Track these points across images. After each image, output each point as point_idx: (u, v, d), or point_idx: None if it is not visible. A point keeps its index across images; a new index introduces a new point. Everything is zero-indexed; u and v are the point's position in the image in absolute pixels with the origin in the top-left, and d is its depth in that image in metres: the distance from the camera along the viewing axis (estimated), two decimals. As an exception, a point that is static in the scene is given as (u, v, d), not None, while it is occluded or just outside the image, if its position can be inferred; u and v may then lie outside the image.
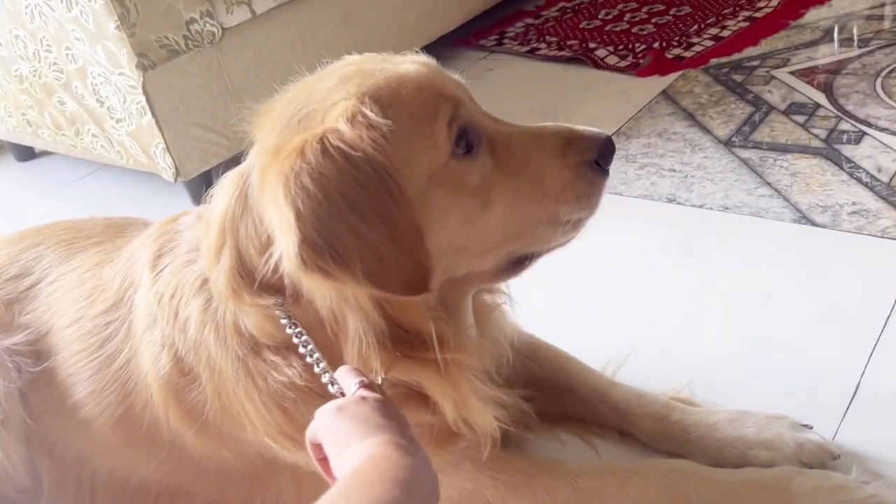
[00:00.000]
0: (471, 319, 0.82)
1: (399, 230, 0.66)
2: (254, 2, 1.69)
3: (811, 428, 0.90)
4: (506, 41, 2.38)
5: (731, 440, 0.89)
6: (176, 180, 1.71)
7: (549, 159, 0.74)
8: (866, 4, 2.09)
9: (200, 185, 1.77)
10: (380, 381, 0.71)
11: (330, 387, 0.69)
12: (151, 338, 0.85)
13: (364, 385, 0.66)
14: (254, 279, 0.75)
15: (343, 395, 0.67)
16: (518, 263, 0.79)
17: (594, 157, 0.75)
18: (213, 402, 0.83)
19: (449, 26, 2.29)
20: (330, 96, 0.71)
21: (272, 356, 0.78)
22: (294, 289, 0.73)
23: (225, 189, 0.79)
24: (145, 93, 1.58)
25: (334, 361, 0.73)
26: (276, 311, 0.75)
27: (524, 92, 2.05)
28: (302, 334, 0.73)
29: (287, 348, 0.77)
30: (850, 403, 0.97)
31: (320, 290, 0.70)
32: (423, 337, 0.73)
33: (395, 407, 0.64)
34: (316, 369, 0.72)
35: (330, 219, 0.64)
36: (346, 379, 0.68)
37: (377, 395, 0.64)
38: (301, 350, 0.73)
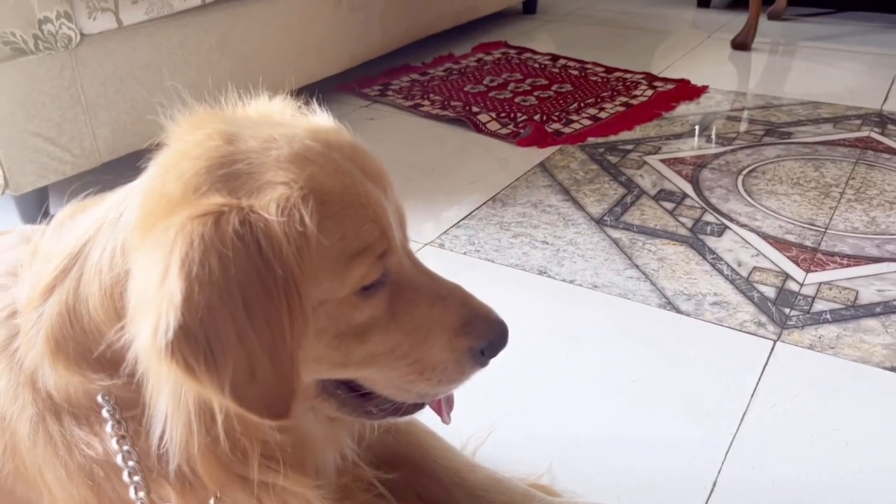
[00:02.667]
0: (319, 432, 0.72)
1: (282, 346, 0.57)
2: (121, 10, 1.55)
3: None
4: (390, 93, 2.34)
5: (591, 537, 0.84)
6: (3, 193, 1.51)
7: (440, 332, 0.67)
8: (730, 106, 2.23)
9: (34, 202, 1.58)
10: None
11: None
12: None
13: None
14: (86, 345, 0.62)
15: None
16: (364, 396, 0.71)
17: (482, 347, 0.69)
18: (5, 461, 0.68)
19: (333, 69, 2.23)
20: (272, 170, 0.59)
21: (75, 426, 0.64)
22: (132, 368, 0.60)
23: (86, 218, 0.66)
24: (-22, 91, 1.39)
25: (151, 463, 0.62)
26: (99, 397, 0.62)
27: (404, 146, 2.01)
28: (125, 441, 0.61)
29: (92, 414, 0.64)
30: (707, 502, 0.95)
31: (169, 385, 0.57)
32: (262, 452, 0.63)
33: None
34: (132, 495, 0.60)
35: (220, 313, 0.53)
36: None
37: None
38: (120, 462, 0.61)
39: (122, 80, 1.61)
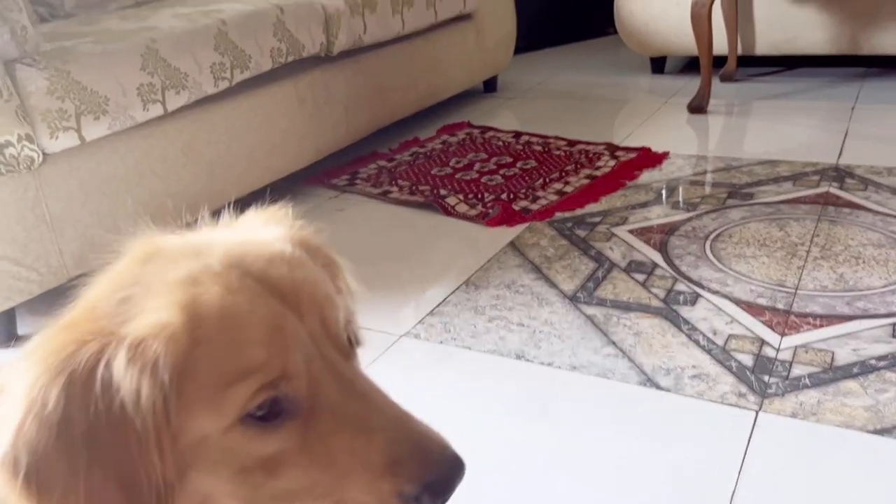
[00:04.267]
0: None
1: (138, 486, 0.53)
2: (83, 128, 1.56)
3: None
4: (358, 182, 2.36)
5: None
6: (-31, 318, 1.49)
7: (361, 471, 0.58)
8: (692, 171, 2.27)
9: (1, 324, 1.55)
10: None
11: None
12: None
13: None
14: None
15: None
16: None
17: (416, 493, 0.57)
18: None
19: (300, 164, 2.25)
20: (157, 295, 0.57)
21: None
22: None
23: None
24: (-60, 218, 1.38)
25: None
26: None
27: (375, 234, 2.02)
28: None
29: None
30: (704, 591, 0.92)
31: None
32: None
33: None
34: None
35: (51, 448, 0.51)
36: None
37: None
38: None
39: (87, 195, 1.62)
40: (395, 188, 2.28)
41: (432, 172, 2.39)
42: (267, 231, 0.67)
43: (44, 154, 1.51)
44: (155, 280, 0.58)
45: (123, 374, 0.53)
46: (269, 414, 0.56)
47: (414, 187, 2.28)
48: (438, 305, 1.63)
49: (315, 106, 2.26)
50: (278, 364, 0.56)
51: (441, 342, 1.49)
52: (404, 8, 2.56)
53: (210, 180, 1.91)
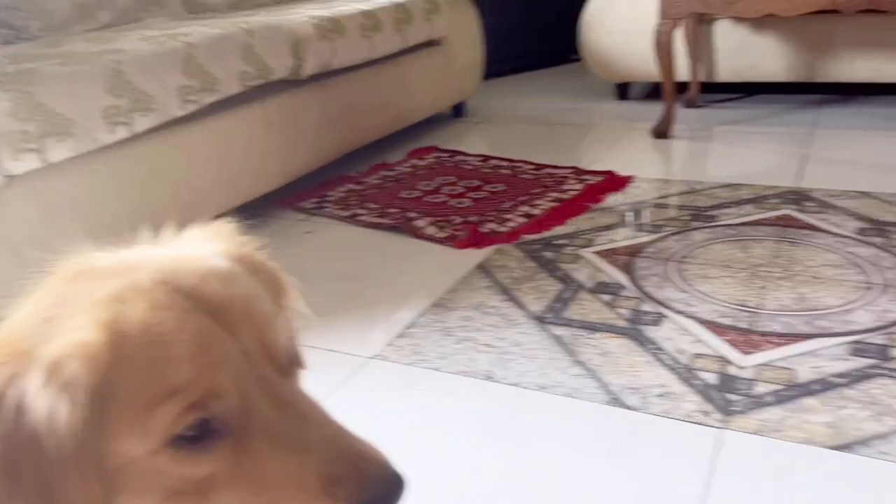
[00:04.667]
0: None
1: None
2: (47, 149, 1.55)
3: None
4: (327, 205, 2.36)
5: None
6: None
7: (296, 492, 0.55)
8: (656, 194, 2.32)
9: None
10: None
11: None
12: None
13: None
14: None
15: None
16: None
17: None
18: None
19: (269, 187, 2.25)
20: (80, 313, 0.55)
21: None
22: None
23: None
24: None
25: None
26: None
27: (343, 257, 2.02)
28: None
29: None
30: None
31: None
32: None
33: None
34: None
35: None
36: None
37: None
38: None
39: (51, 219, 1.60)
40: (363, 211, 2.29)
41: (401, 196, 2.40)
42: (205, 247, 0.65)
43: (5, 176, 1.49)
44: (80, 299, 0.56)
45: (38, 397, 0.51)
46: (199, 435, 0.54)
47: (383, 210, 2.28)
48: (407, 327, 1.63)
49: (284, 129, 2.26)
50: (205, 382, 0.54)
51: (410, 364, 1.49)
52: (373, 32, 2.59)
53: (177, 203, 1.90)
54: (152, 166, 1.84)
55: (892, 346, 1.41)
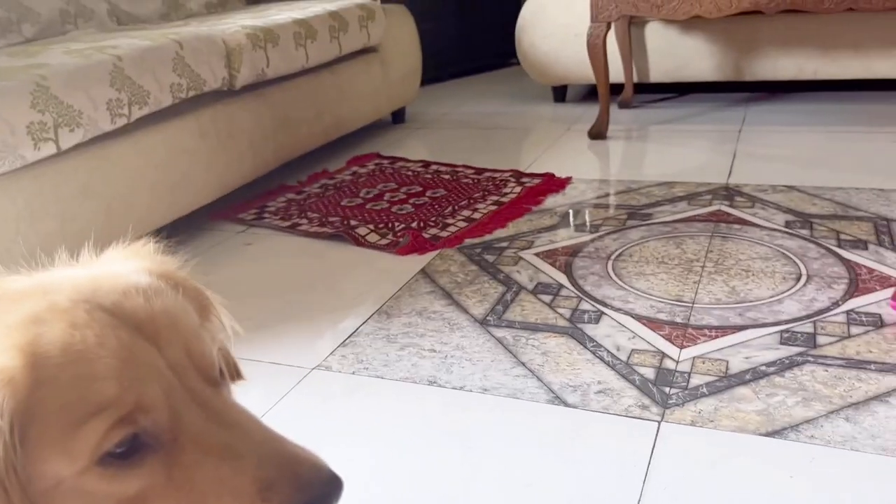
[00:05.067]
0: None
1: None
2: (-31, 169, 1.50)
3: None
4: (266, 215, 2.34)
5: None
6: None
7: (231, 501, 0.55)
8: (594, 194, 2.36)
9: None
10: None
11: None
12: None
13: None
14: None
15: None
16: None
17: None
18: None
19: (205, 199, 2.22)
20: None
21: None
22: None
23: None
24: None
25: None
26: None
27: (284, 268, 2.00)
28: None
29: None
30: None
31: None
32: None
33: None
34: None
35: None
36: None
37: None
38: None
39: (-26, 239, 1.54)
40: (304, 220, 2.27)
41: (342, 204, 2.39)
42: (125, 265, 0.64)
43: (-75, 197, 1.44)
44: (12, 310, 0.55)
45: None
46: (129, 451, 0.54)
47: (324, 219, 2.27)
48: (350, 336, 1.62)
49: (219, 141, 2.23)
50: (132, 397, 0.53)
51: (353, 373, 1.49)
52: (308, 41, 2.57)
53: (109, 219, 1.85)
54: (83, 183, 1.79)
55: (819, 334, 1.47)
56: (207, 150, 2.19)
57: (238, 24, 2.41)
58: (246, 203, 2.44)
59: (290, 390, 1.45)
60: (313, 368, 1.51)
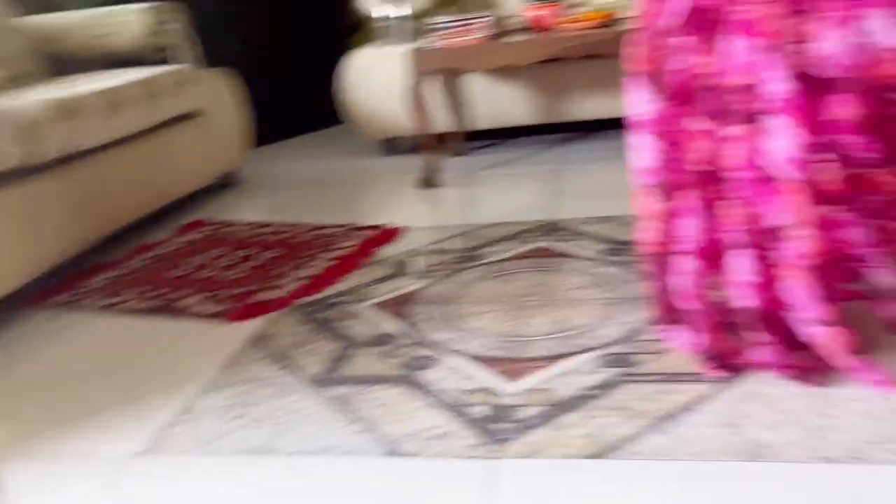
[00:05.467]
0: None
1: None
2: None
3: None
4: (82, 296, 2.19)
5: None
6: None
7: None
8: (428, 241, 2.40)
9: None
10: None
11: None
12: None
13: None
14: None
15: None
16: None
17: None
18: None
19: (11, 286, 2.04)
20: None
21: None
22: None
23: None
24: None
25: None
26: None
27: (102, 350, 1.87)
28: None
29: None
30: None
31: None
32: None
33: None
34: None
35: None
36: None
37: None
38: None
39: None
40: (123, 298, 2.14)
41: (168, 276, 2.28)
42: None
43: None
44: None
45: None
46: None
47: (147, 294, 2.15)
48: (179, 415, 1.53)
49: (23, 222, 2.08)
50: None
51: (184, 452, 1.40)
52: (119, 110, 2.47)
53: None
54: None
55: (634, 353, 1.55)
56: (10, 234, 2.02)
57: (38, 97, 2.27)
58: (60, 285, 2.27)
59: (109, 481, 1.34)
60: (138, 454, 1.41)
